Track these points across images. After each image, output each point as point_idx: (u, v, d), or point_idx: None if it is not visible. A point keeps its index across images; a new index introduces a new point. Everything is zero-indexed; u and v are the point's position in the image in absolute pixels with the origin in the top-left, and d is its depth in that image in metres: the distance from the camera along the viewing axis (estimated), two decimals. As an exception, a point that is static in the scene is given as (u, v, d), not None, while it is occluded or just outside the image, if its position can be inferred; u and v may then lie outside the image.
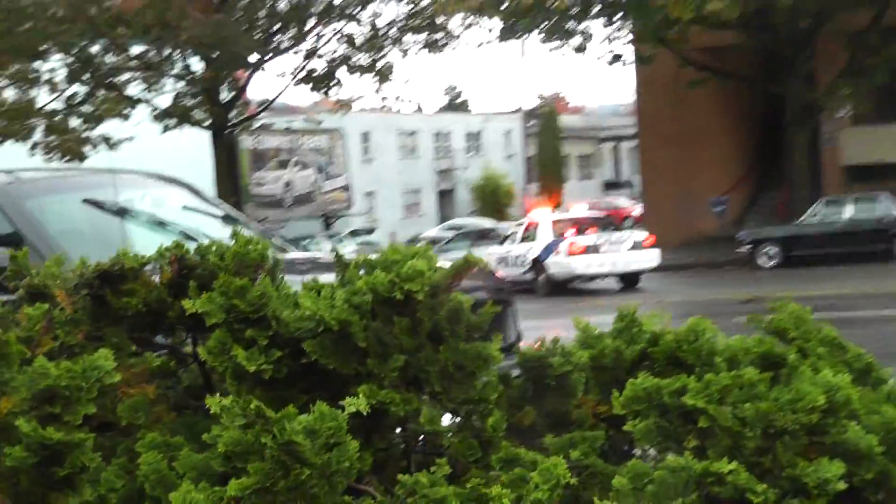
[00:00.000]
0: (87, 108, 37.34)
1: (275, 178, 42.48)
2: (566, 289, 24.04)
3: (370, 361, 2.80)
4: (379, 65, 34.80)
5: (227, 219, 6.05)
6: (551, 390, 3.02)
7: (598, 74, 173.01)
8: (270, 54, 33.21)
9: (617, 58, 30.98)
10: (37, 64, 35.47)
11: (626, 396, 2.70)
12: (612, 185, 72.62)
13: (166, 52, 32.59)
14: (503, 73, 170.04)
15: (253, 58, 32.07)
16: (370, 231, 36.26)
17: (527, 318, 15.30)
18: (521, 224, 27.07)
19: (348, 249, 31.97)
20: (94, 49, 32.85)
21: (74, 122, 38.91)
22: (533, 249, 24.49)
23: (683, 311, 18.00)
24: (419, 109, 75.79)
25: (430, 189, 65.95)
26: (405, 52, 34.53)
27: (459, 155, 67.13)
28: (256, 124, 42.43)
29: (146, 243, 5.42)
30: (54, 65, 34.97)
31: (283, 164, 42.93)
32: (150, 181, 6.45)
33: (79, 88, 35.42)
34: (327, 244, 32.54)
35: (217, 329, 2.82)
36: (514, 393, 3.04)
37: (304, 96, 39.93)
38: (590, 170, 78.49)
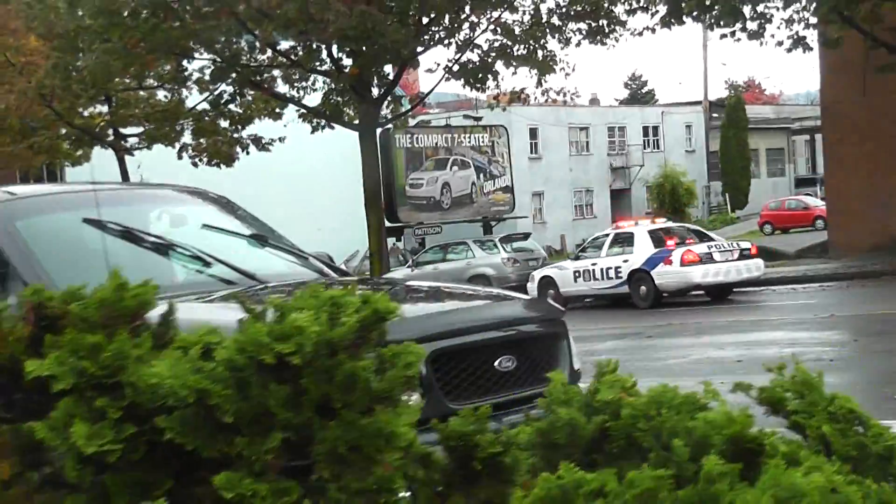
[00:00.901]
0: (234, 109, 38.17)
1: (432, 178, 42.36)
2: (666, 301, 25.32)
3: (239, 441, 2.44)
4: (540, 55, 34.37)
5: (256, 238, 5.77)
6: (483, 475, 2.60)
7: (797, 60, 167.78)
8: (422, 47, 33.11)
9: (798, 42, 29.69)
10: (186, 64, 36.44)
11: (534, 496, 2.26)
12: (804, 182, 70.08)
13: (312, 47, 32.88)
14: (689, 62, 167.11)
15: (404, 52, 32.05)
16: (525, 236, 35.76)
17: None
18: (601, 237, 27.98)
19: (500, 257, 31.59)
20: (240, 46, 33.41)
21: (223, 123, 39.93)
22: (631, 261, 25.50)
23: (854, 326, 17.11)
24: (594, 102, 75.33)
25: (603, 188, 65.06)
26: (566, 42, 33.97)
27: (635, 151, 65.98)
28: (412, 122, 42.65)
29: (147, 267, 5.24)
30: (203, 63, 35.81)
31: (441, 164, 42.80)
32: (175, 196, 6.25)
33: (226, 88, 36.15)
34: (479, 251, 32.24)
35: (65, 397, 2.51)
36: (436, 477, 2.63)
37: (469, 91, 39.71)
38: (781, 165, 76.09)
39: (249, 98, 38.31)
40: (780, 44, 29.86)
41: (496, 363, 4.77)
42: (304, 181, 55.88)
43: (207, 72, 34.79)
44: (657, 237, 26.04)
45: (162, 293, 4.83)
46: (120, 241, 5.14)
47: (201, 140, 41.11)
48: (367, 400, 2.51)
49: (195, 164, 40.84)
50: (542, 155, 61.60)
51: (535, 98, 38.34)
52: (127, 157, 41.30)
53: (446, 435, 2.60)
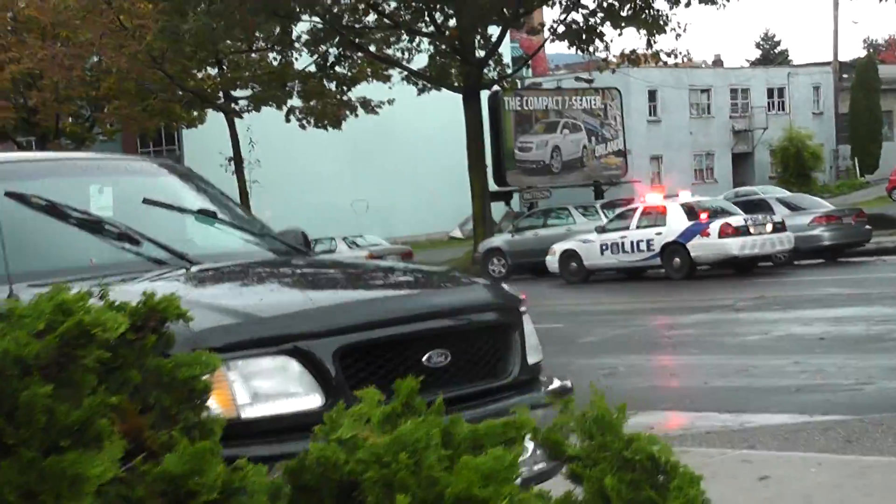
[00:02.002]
0: (341, 71, 38.06)
1: (541, 142, 41.64)
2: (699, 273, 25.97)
3: None
4: (647, 15, 33.44)
5: (206, 214, 5.38)
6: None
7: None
8: (524, 8, 32.46)
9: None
10: (293, 26, 36.43)
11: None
12: (940, 147, 67.22)
13: (414, 8, 32.51)
14: (823, 22, 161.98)
15: (506, 12, 31.49)
16: (628, 202, 34.80)
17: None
18: (628, 210, 28.46)
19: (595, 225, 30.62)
20: (342, 7, 33.23)
21: (330, 86, 39.86)
22: (665, 233, 25.98)
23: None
24: (717, 63, 73.43)
25: (724, 152, 63.40)
26: (675, 1, 32.95)
27: (759, 113, 64.09)
28: (521, 84, 42.00)
29: (63, 246, 4.93)
30: (309, 25, 35.74)
31: (552, 127, 42.07)
32: (127, 168, 5.89)
33: (332, 50, 36.05)
34: (579, 216, 31.53)
35: None
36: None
37: (576, 52, 38.68)
38: (918, 128, 73.13)
39: (355, 60, 38.18)
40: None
41: (424, 358, 4.31)
42: (415, 144, 55.67)
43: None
44: (690, 210, 26.50)
45: (69, 275, 4.55)
46: (41, 217, 4.82)
47: (311, 102, 41.17)
48: (52, 434, 2.10)
49: (303, 127, 40.96)
50: (661, 118, 60.28)
51: (646, 60, 37.37)
52: (237, 121, 41.61)
53: (154, 476, 2.17)
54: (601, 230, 27.98)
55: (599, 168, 43.40)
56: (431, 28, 33.45)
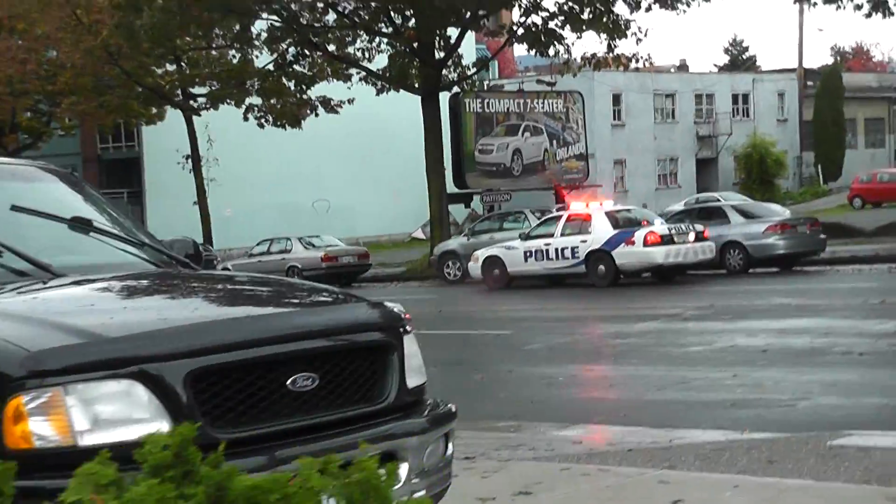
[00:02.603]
0: (300, 69, 37.73)
1: (502, 144, 41.40)
2: (620, 280, 26.24)
3: None
4: (610, 20, 33.32)
5: (81, 223, 5.09)
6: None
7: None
8: (484, 10, 32.27)
9: (878, 6, 28.20)
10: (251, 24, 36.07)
11: None
12: (903, 154, 67.64)
13: (373, 8, 32.26)
14: (789, 28, 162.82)
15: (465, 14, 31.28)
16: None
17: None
18: (552, 218, 28.80)
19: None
20: (300, 6, 32.93)
21: (290, 85, 39.50)
22: (590, 241, 26.13)
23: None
24: (683, 68, 73.57)
25: (688, 157, 63.46)
26: (636, 5, 32.84)
27: (724, 119, 64.20)
28: (485, 85, 41.77)
29: None
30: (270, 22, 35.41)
31: (513, 130, 41.87)
32: (9, 172, 5.58)
33: (290, 49, 35.75)
34: (535, 220, 31.36)
35: None
36: None
37: (534, 55, 38.29)
38: (881, 135, 73.54)
39: (315, 59, 37.86)
40: (858, 7, 28.41)
41: (289, 382, 4.06)
42: (377, 144, 55.39)
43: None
44: (614, 218, 26.79)
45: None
46: None
47: (271, 101, 40.82)
48: None
49: (261, 126, 40.63)
50: (625, 122, 60.26)
51: (608, 64, 37.25)
52: (196, 119, 41.21)
53: None
54: (525, 237, 28.15)
55: (560, 172, 43.23)
56: (390, 29, 33.20)
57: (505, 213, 34.97)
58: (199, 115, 40.69)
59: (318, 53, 36.54)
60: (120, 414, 3.70)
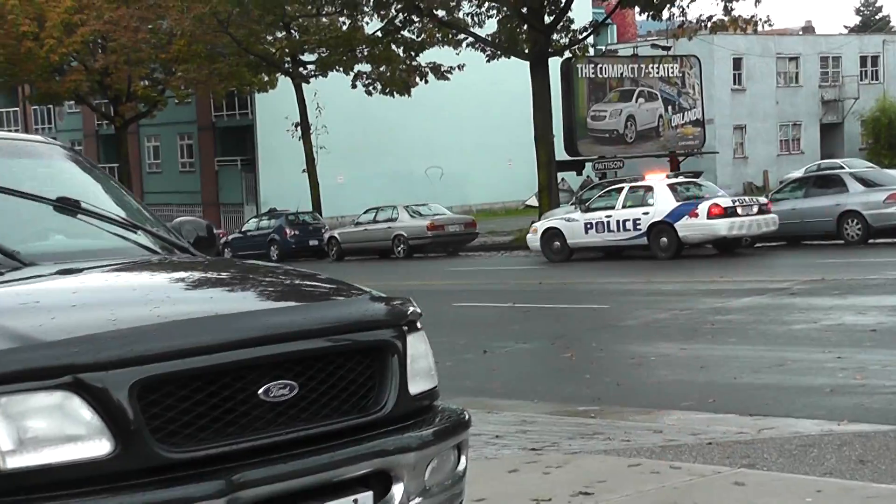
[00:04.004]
0: (408, 35, 37.29)
1: (615, 110, 40.46)
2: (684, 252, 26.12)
3: None
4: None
5: (66, 204, 4.63)
6: None
7: None
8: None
9: None
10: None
11: None
12: None
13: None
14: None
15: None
16: (696, 175, 33.55)
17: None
18: (613, 190, 28.56)
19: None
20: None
21: (399, 51, 39.10)
22: (653, 213, 26.03)
23: None
24: (808, 30, 71.16)
25: (812, 122, 61.51)
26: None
27: (851, 82, 61.99)
28: (591, 51, 40.81)
29: None
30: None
31: (626, 96, 40.86)
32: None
33: (397, 14, 35.31)
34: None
35: None
36: None
37: (647, 18, 36.99)
38: None
39: (424, 24, 37.37)
40: None
41: (261, 391, 3.52)
42: (490, 111, 54.78)
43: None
44: (676, 190, 26.60)
45: None
46: None
47: (381, 68, 40.51)
48: None
49: (369, 93, 40.34)
50: (745, 86, 58.60)
51: (728, 27, 35.96)
52: (305, 87, 41.12)
53: None
54: (586, 209, 28.07)
55: (675, 138, 42.13)
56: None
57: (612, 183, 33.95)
58: (308, 83, 40.59)
59: (426, 19, 36.01)
60: (52, 431, 3.19)
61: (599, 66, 40.70)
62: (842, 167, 38.82)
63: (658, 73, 41.66)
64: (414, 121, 51.48)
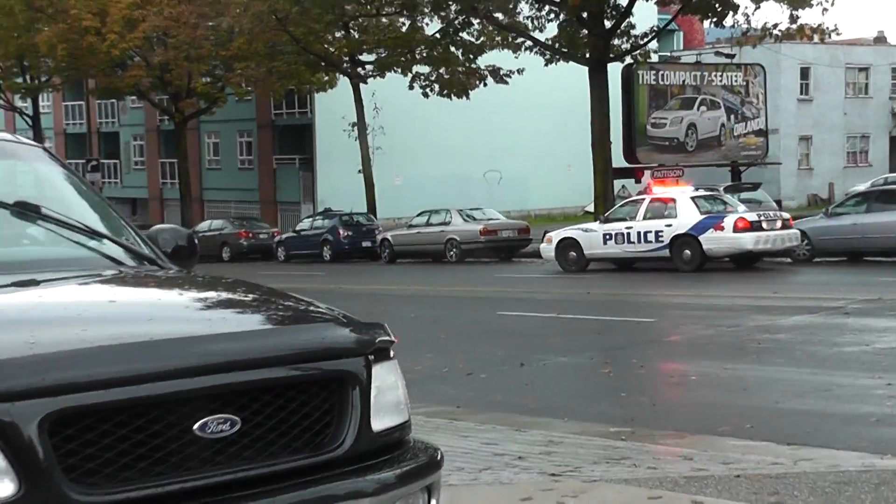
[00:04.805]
0: (466, 37, 36.97)
1: (676, 118, 39.80)
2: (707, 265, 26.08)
3: None
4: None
5: (24, 209, 4.27)
6: None
7: None
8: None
9: None
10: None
11: None
12: None
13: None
14: None
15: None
16: (755, 186, 32.86)
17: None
18: (633, 201, 28.69)
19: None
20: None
21: (457, 53, 38.77)
22: (676, 225, 26.04)
23: None
24: (879, 40, 69.74)
25: (881, 134, 60.23)
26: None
27: (923, 95, 60.71)
28: (654, 57, 40.20)
29: None
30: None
31: (688, 104, 40.19)
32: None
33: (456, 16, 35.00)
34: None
35: None
36: None
37: (710, 25, 36.27)
38: None
39: (484, 27, 37.02)
40: None
41: (196, 426, 3.17)
42: (550, 115, 54.27)
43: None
44: (698, 203, 26.64)
45: None
46: None
47: (440, 70, 40.23)
48: None
49: (425, 95, 40.05)
50: (813, 96, 57.51)
51: (791, 36, 35.22)
52: (363, 88, 40.93)
53: None
54: (605, 220, 28.12)
55: (737, 148, 41.39)
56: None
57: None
58: (366, 83, 40.38)
59: (484, 21, 35.66)
60: None
61: (661, 72, 40.09)
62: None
63: (721, 81, 40.95)
64: (473, 123, 51.12)
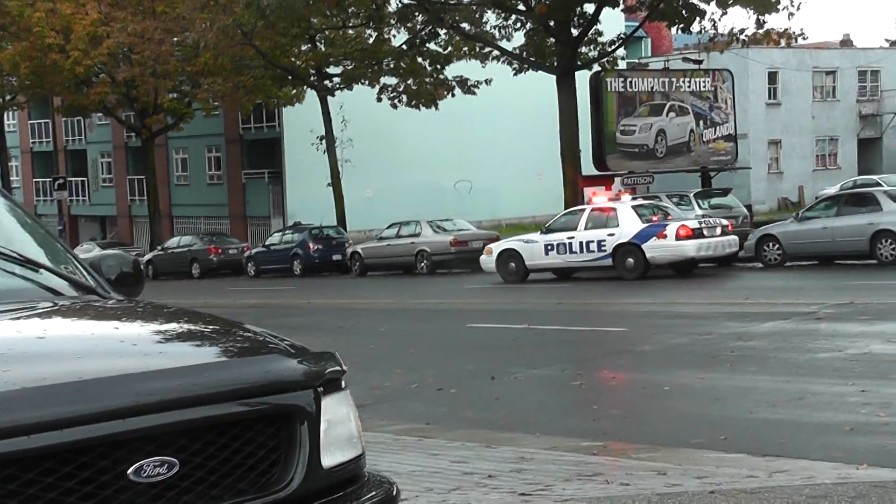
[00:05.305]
0: (434, 48, 36.85)
1: (646, 125, 39.67)
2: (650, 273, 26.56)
3: None
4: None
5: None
6: None
7: None
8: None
9: None
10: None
11: None
12: None
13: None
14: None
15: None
16: (724, 192, 32.88)
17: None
18: (573, 212, 29.09)
19: (693, 214, 29.45)
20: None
21: (425, 64, 38.63)
22: (618, 234, 26.48)
23: None
24: (846, 44, 70.14)
25: (849, 137, 60.51)
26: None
27: (891, 97, 60.97)
28: (622, 64, 40.17)
29: None
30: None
31: (657, 110, 40.11)
32: None
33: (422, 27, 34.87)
34: (671, 207, 29.78)
35: None
36: None
37: (676, 32, 36.05)
38: None
39: (451, 37, 36.90)
40: None
41: (131, 470, 2.97)
42: (519, 124, 54.21)
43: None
44: (639, 212, 27.12)
45: None
46: None
47: (408, 81, 40.08)
48: None
49: (394, 106, 39.88)
50: (781, 100, 57.71)
51: (758, 41, 35.25)
52: (331, 100, 40.72)
53: None
54: (546, 231, 28.54)
55: (707, 153, 41.29)
56: (522, 6, 31.92)
57: (636, 199, 33.26)
58: (333, 96, 40.18)
59: (451, 32, 35.53)
60: None
61: (629, 79, 39.96)
62: (878, 183, 38.01)
63: (689, 87, 40.84)
64: (442, 134, 50.98)
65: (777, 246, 26.78)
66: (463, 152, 53.66)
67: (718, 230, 26.54)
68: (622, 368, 13.08)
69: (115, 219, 64.30)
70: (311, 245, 39.31)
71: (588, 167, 37.43)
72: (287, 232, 42.15)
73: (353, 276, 37.08)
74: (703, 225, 26.37)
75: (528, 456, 8.67)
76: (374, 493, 3.54)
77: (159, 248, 47.18)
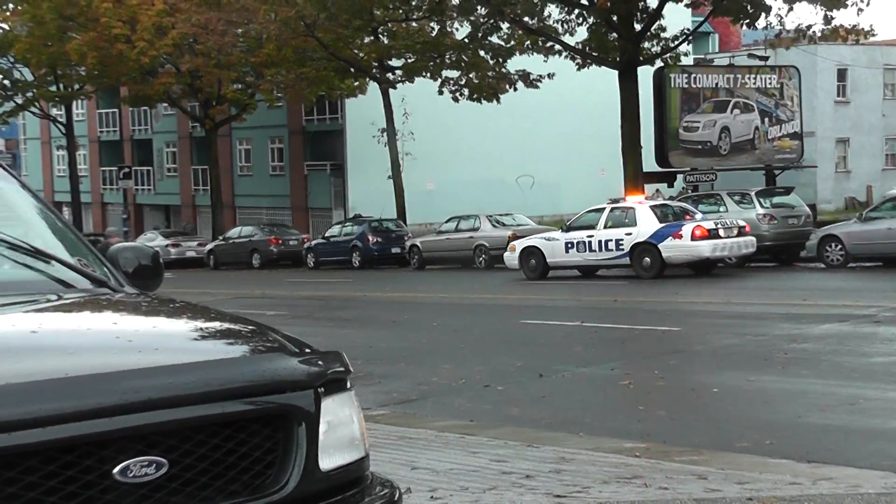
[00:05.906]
0: (496, 41, 36.69)
1: (709, 121, 39.21)
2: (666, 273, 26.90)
3: None
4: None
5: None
6: None
7: None
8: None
9: None
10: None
11: None
12: None
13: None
14: None
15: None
16: (787, 191, 32.39)
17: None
18: (595, 211, 29.04)
19: (754, 213, 29.13)
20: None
21: (486, 57, 38.48)
22: (636, 234, 26.92)
23: None
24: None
25: (920, 136, 59.44)
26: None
27: (964, 95, 59.77)
28: (685, 60, 39.69)
29: None
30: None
31: (721, 107, 39.61)
32: None
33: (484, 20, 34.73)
34: (732, 204, 29.38)
35: None
36: None
37: (740, 27, 35.60)
38: None
39: (512, 31, 36.71)
40: None
41: (117, 470, 2.89)
42: (582, 119, 53.87)
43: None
44: (657, 212, 27.53)
45: None
46: None
47: (470, 74, 39.97)
48: None
49: (455, 100, 39.79)
50: (850, 98, 56.77)
51: (825, 37, 34.65)
52: (393, 93, 40.74)
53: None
54: (567, 229, 28.92)
55: (772, 151, 40.74)
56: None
57: (699, 195, 32.97)
58: (395, 88, 40.18)
59: (514, 25, 35.33)
60: None
61: (693, 75, 39.52)
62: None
63: (755, 83, 40.34)
64: (504, 127, 50.82)
65: (839, 246, 26.33)
66: (525, 147, 53.44)
67: (735, 231, 26.80)
68: (672, 368, 12.87)
69: (179, 208, 64.91)
70: (370, 237, 39.37)
71: (650, 163, 37.08)
72: (347, 224, 42.27)
73: (412, 270, 37.06)
74: (719, 226, 26.65)
75: (568, 456, 8.54)
76: (374, 497, 3.45)
77: (221, 237, 47.56)
